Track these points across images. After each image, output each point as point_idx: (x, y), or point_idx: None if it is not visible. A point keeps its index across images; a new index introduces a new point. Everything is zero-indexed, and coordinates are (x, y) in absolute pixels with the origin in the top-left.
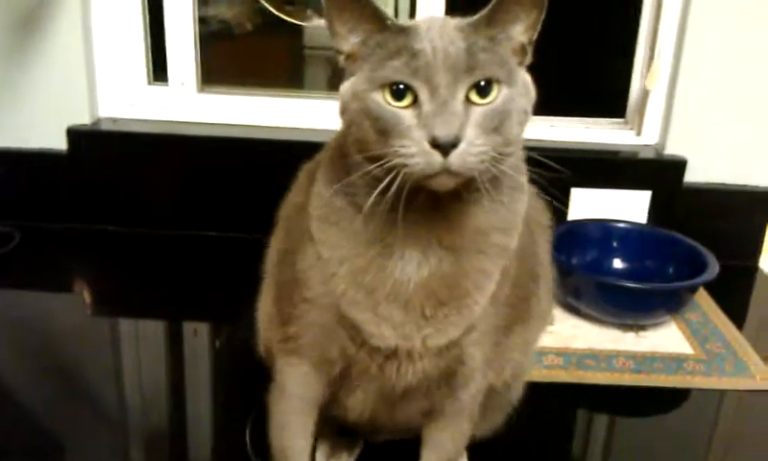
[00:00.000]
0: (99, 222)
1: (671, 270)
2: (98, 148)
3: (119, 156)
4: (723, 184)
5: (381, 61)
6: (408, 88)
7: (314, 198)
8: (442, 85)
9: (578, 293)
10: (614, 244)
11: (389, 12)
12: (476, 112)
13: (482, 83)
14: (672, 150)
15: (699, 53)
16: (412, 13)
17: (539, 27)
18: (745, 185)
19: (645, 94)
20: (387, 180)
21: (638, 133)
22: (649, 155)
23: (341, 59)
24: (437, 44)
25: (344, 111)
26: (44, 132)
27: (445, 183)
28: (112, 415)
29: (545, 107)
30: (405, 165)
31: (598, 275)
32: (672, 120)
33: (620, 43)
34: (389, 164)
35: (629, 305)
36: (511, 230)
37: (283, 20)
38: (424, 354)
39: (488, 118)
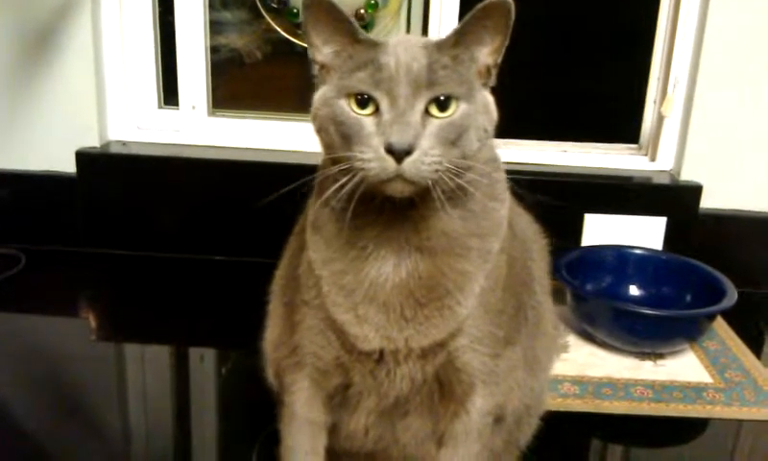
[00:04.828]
0: (106, 245)
1: (689, 297)
2: (107, 171)
3: (128, 179)
4: (739, 210)
5: (349, 72)
6: (371, 98)
7: (309, 210)
8: (401, 97)
9: (593, 319)
10: (630, 271)
11: (402, 15)
12: (434, 124)
13: (441, 98)
14: (688, 176)
15: (714, 79)
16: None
17: (503, 51)
18: (762, 211)
19: (660, 120)
20: (343, 180)
21: (653, 159)
22: (664, 180)
23: (315, 68)
24: (401, 59)
25: (314, 117)
26: (53, 155)
27: (399, 189)
28: (117, 441)
29: (559, 131)
30: (362, 169)
31: (614, 301)
32: (687, 146)
33: (634, 69)
34: (348, 165)
35: (646, 333)
36: (489, 236)
37: (292, 49)
38: (409, 357)
39: (444, 131)
